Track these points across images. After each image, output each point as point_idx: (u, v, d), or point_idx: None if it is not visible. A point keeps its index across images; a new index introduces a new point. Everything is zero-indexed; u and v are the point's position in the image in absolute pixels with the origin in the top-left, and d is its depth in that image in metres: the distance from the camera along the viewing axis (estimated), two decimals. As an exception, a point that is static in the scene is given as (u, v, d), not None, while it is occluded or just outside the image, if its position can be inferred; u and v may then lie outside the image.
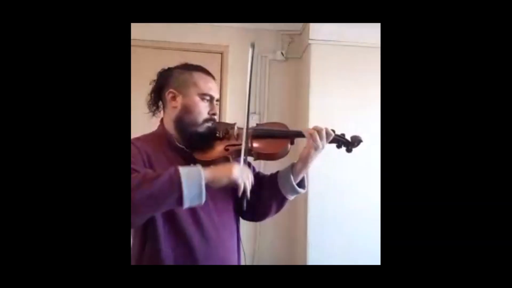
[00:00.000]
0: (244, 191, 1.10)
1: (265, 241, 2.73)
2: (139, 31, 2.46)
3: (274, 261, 2.70)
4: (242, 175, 1.09)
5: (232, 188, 1.29)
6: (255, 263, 2.68)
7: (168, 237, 1.15)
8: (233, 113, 2.67)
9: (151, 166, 1.16)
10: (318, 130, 1.23)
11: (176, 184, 1.01)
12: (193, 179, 1.03)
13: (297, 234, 2.68)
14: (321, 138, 1.22)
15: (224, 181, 1.08)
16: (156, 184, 1.00)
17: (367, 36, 2.49)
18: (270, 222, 2.70)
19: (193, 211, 1.16)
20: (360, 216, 2.45)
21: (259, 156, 1.26)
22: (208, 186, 1.05)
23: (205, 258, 1.17)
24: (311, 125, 2.46)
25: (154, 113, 1.31)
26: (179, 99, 1.25)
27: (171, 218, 1.15)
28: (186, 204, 1.02)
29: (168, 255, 1.14)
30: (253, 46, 1.20)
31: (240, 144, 1.20)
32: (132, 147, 1.15)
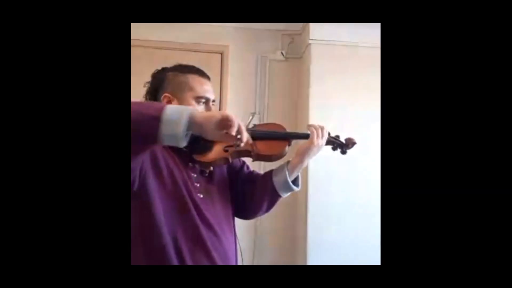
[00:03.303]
0: (239, 130, 0.98)
1: (265, 241, 2.73)
2: (139, 31, 2.46)
3: (274, 261, 2.70)
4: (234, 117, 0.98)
5: (230, 186, 1.30)
6: (255, 263, 2.68)
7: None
8: (233, 113, 2.66)
9: (155, 156, 1.16)
10: (319, 128, 1.27)
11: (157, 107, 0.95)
12: (176, 111, 0.95)
13: (297, 234, 2.68)
14: (322, 136, 1.26)
15: (216, 117, 0.97)
16: (140, 104, 0.97)
17: (367, 36, 2.49)
18: (270, 222, 2.72)
19: (196, 206, 1.17)
20: (360, 216, 2.45)
21: (258, 157, 1.27)
22: (198, 128, 0.97)
23: (214, 248, 1.16)
24: (311, 125, 2.48)
25: None
26: (175, 104, 1.23)
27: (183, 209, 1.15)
28: (163, 134, 0.93)
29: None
30: (253, 115, 1.22)
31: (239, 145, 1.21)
32: None
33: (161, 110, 0.95)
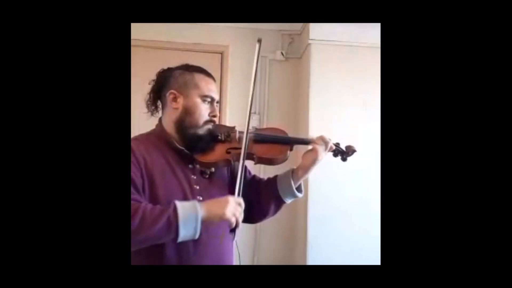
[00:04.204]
0: (236, 225, 1.12)
1: (265, 241, 2.73)
2: (139, 31, 2.46)
3: (274, 261, 2.70)
4: (235, 212, 1.11)
5: (229, 187, 1.30)
6: (255, 263, 2.68)
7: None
8: (233, 113, 2.67)
9: (147, 171, 1.15)
10: (326, 142, 1.29)
11: (173, 228, 1.05)
12: (190, 222, 1.06)
13: (297, 234, 2.68)
14: (326, 149, 1.30)
15: (217, 220, 1.11)
16: (153, 230, 1.04)
17: (367, 36, 2.49)
18: (270, 222, 2.69)
19: None
20: (360, 216, 2.45)
21: (260, 160, 1.27)
22: (203, 224, 1.08)
23: (199, 256, 1.17)
24: (311, 125, 2.48)
25: (152, 113, 1.31)
26: (181, 100, 1.25)
27: None
28: (180, 240, 1.07)
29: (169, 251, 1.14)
30: (259, 41, 1.22)
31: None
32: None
33: (176, 238, 1.07)
